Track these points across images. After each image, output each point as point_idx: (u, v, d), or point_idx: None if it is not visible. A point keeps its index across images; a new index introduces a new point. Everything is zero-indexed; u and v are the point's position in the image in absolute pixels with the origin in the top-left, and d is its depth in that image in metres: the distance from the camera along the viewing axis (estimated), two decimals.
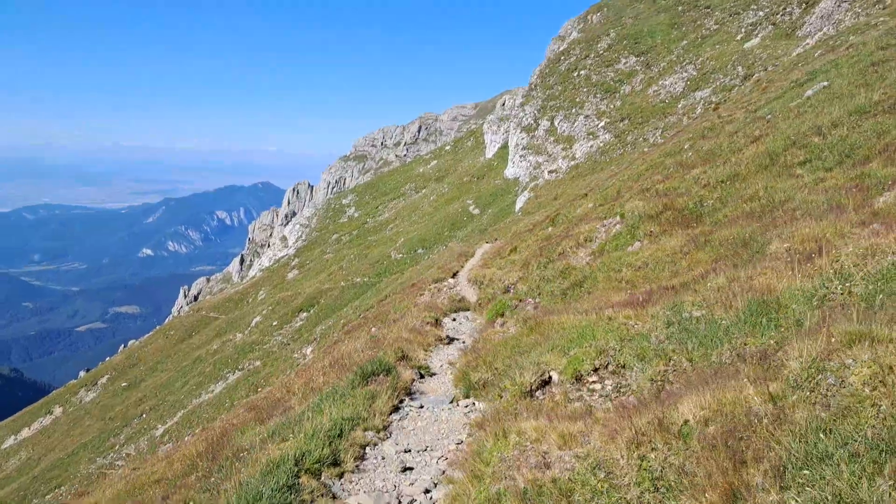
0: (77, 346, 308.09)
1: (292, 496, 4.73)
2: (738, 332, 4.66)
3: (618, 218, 14.02)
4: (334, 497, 5.00)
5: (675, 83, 65.26)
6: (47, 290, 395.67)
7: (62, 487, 59.41)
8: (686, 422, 3.32)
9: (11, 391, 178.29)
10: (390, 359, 8.72)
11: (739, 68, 55.86)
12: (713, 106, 36.76)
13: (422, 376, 9.01)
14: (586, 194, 26.61)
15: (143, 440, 62.04)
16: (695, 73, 63.87)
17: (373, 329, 26.13)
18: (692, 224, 10.38)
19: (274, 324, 76.39)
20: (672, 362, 4.93)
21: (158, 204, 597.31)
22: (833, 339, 3.25)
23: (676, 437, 3.23)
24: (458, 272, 29.83)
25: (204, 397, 65.95)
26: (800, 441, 2.60)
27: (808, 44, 44.18)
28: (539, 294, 12.07)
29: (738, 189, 10.20)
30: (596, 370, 5.60)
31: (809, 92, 14.41)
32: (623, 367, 5.49)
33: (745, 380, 3.41)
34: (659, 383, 4.90)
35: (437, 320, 13.00)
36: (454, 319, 16.83)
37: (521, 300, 12.51)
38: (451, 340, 11.90)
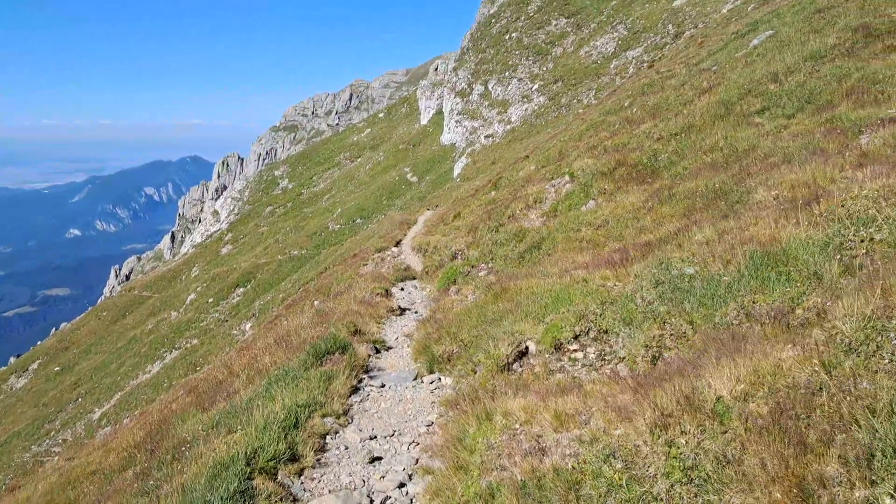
0: (5, 331, 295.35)
1: None
2: (743, 288, 4.20)
3: (567, 178, 13.61)
4: (295, 500, 4.33)
5: (607, 44, 65.41)
6: None
7: None
8: (720, 398, 2.83)
9: None
10: (343, 334, 8.04)
11: (670, 26, 56.26)
12: (647, 64, 36.79)
13: (377, 351, 8.32)
14: (527, 156, 26.21)
15: (79, 425, 60.07)
16: (626, 33, 64.10)
17: (316, 302, 25.30)
18: (648, 179, 10.03)
19: (210, 301, 74.35)
20: (668, 325, 4.46)
21: (84, 182, 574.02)
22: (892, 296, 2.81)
23: (710, 416, 2.74)
24: (401, 240, 29.18)
25: (142, 378, 64.07)
26: (889, 420, 2.12)
27: (736, 0, 44.69)
28: (492, 259, 11.58)
29: (695, 141, 9.89)
30: (577, 337, 5.09)
31: (755, 41, 14.22)
32: (606, 332, 5.00)
33: (780, 344, 2.95)
34: (654, 350, 4.43)
35: (387, 291, 12.32)
36: (402, 289, 16.24)
37: (472, 266, 12.01)
38: (403, 311, 11.30)
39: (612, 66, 60.36)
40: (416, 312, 11.28)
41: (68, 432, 59.17)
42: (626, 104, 22.68)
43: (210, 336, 62.44)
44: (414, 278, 20.09)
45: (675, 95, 14.32)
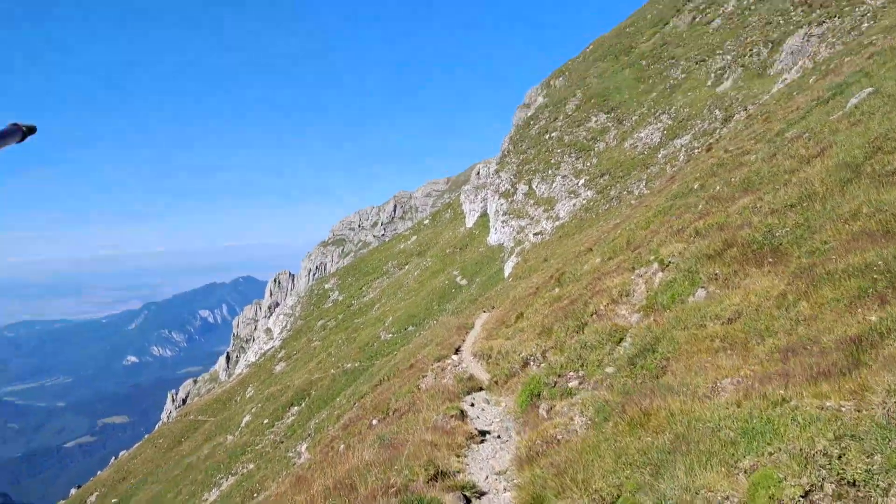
0: (66, 462, 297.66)
1: None
2: None
3: (655, 266, 11.95)
4: None
5: (652, 134, 64.85)
6: (32, 407, 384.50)
7: None
8: None
9: None
10: (421, 477, 6.33)
11: (717, 112, 55.48)
12: (704, 148, 35.49)
13: (468, 501, 6.56)
14: (590, 249, 24.63)
15: None
16: (670, 122, 63.53)
17: (374, 421, 23.44)
18: (769, 259, 8.33)
19: (265, 422, 72.71)
20: None
21: (139, 310, 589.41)
22: None
23: None
24: (460, 347, 27.41)
25: None
26: None
27: (786, 79, 43.67)
28: (583, 365, 9.82)
29: (824, 210, 8.25)
30: (807, 495, 3.32)
31: (853, 101, 12.73)
32: (854, 484, 3.22)
33: None
34: None
35: (462, 412, 10.49)
36: (472, 405, 14.38)
37: (559, 375, 10.23)
38: (483, 435, 9.50)
39: (659, 155, 59.45)
40: (497, 437, 9.46)
41: None
42: (695, 187, 21.18)
43: (266, 460, 60.50)
44: (480, 389, 18.19)
45: (767, 168, 12.76)
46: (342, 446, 23.22)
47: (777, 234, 8.85)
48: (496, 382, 16.33)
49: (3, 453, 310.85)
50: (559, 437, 6.51)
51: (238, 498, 52.91)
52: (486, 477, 7.38)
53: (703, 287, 8.95)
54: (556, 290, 22.71)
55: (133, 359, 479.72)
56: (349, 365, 72.98)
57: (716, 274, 8.87)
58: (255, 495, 52.29)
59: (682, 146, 56.73)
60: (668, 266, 11.67)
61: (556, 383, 10.16)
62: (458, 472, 7.30)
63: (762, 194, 10.59)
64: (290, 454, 56.23)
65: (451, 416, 9.83)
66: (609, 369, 9.14)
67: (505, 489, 6.67)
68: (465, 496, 6.40)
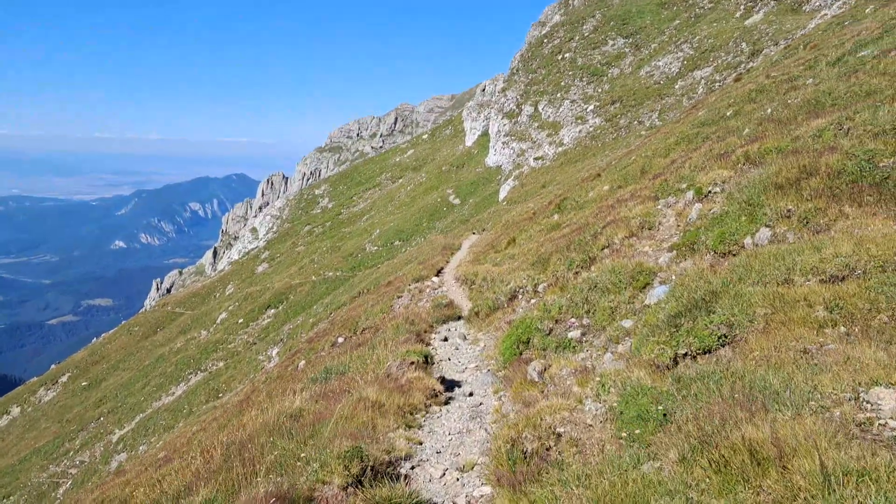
0: (49, 339, 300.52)
1: None
2: None
3: (689, 195, 9.46)
4: None
5: (670, 63, 61.09)
6: (18, 282, 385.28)
7: (11, 497, 55.20)
8: None
9: None
10: (335, 481, 3.96)
11: (743, 45, 51.76)
12: (733, 78, 32.37)
13: None
14: (598, 175, 22.00)
15: (98, 446, 57.60)
16: (692, 53, 59.76)
17: (339, 339, 21.35)
18: (868, 196, 5.90)
19: (240, 321, 71.31)
20: None
21: (130, 196, 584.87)
22: None
23: None
24: (442, 268, 25.09)
25: (164, 400, 61.33)
26: None
27: (825, 14, 40.03)
28: (589, 312, 7.47)
29: None
30: None
31: None
32: None
33: None
34: None
35: (426, 358, 8.04)
36: (445, 339, 12.10)
37: (556, 320, 7.90)
38: (450, 389, 7.19)
39: (676, 86, 55.95)
40: (469, 395, 7.14)
41: (86, 453, 56.86)
42: (727, 114, 18.56)
43: (236, 360, 59.22)
44: (459, 317, 15.94)
45: (844, 86, 10.18)
46: (302, 363, 21.20)
47: (882, 165, 6.35)
48: (477, 314, 14.05)
49: None
50: (560, 430, 4.23)
51: (202, 396, 51.78)
52: (444, 473, 5.02)
53: (767, 226, 6.51)
54: (556, 216, 20.25)
55: (121, 244, 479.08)
56: (331, 273, 71.08)
57: (788, 210, 6.41)
58: (220, 395, 51.17)
59: (702, 78, 53.25)
60: (707, 196, 9.17)
61: (551, 330, 7.83)
62: (404, 458, 4.99)
63: (850, 114, 8.03)
64: (261, 357, 54.94)
65: (411, 364, 7.44)
66: (627, 322, 6.77)
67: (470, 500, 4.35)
68: None
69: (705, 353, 4.56)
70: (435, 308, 16.56)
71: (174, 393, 61.93)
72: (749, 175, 8.02)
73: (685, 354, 4.65)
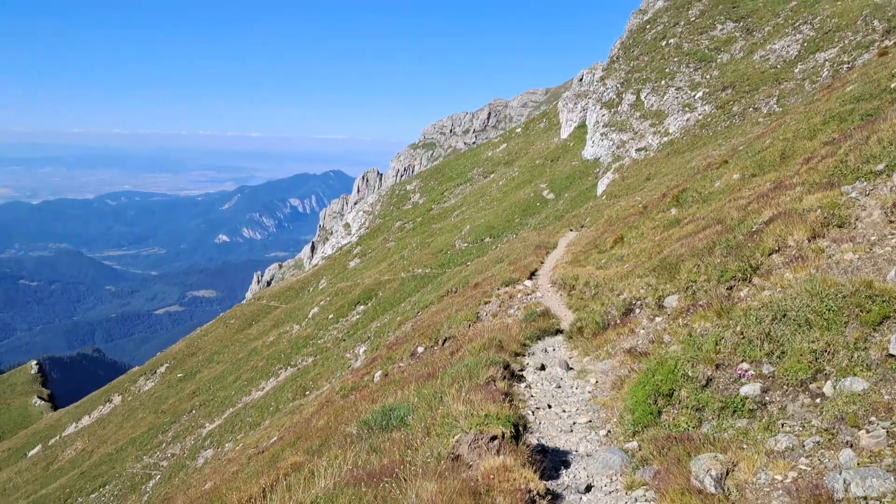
0: (155, 328, 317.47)
1: None
2: None
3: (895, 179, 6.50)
4: None
5: (788, 46, 55.58)
6: (128, 274, 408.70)
7: (107, 486, 56.50)
8: None
9: (94, 370, 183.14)
10: None
11: (875, 22, 46.10)
12: (877, 52, 28.00)
13: None
14: (725, 162, 18.69)
15: (189, 439, 58.20)
16: (812, 34, 54.14)
17: (419, 349, 19.02)
18: None
19: (330, 317, 70.70)
20: None
21: (233, 192, 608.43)
22: None
23: None
24: (536, 270, 22.31)
25: (254, 395, 61.46)
26: None
27: None
28: (772, 355, 4.73)
29: None
30: None
31: None
32: None
33: None
34: None
35: (515, 426, 5.29)
36: (542, 367, 9.43)
37: (716, 364, 5.14)
38: (552, 473, 4.62)
39: (796, 70, 50.67)
40: (586, 491, 4.45)
41: (177, 446, 57.62)
42: (891, 86, 15.12)
43: (324, 357, 58.42)
44: (557, 331, 13.23)
45: None
46: (378, 374, 19.03)
47: None
48: (580, 330, 11.30)
49: (100, 312, 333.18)
50: None
51: (290, 393, 51.06)
52: None
53: None
54: (674, 211, 17.14)
55: (224, 238, 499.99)
56: (419, 270, 69.31)
57: None
58: (307, 393, 50.26)
59: (826, 60, 47.90)
60: None
61: (709, 380, 5.09)
62: None
63: None
64: (348, 355, 53.72)
65: (492, 440, 4.74)
66: (857, 383, 3.97)
67: None
68: None
69: None
70: (528, 319, 13.93)
71: (263, 388, 61.92)
72: None
73: None
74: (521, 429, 5.17)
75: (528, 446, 4.84)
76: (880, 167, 7.31)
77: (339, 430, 8.54)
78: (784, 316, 5.00)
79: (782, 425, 4.27)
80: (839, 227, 6.57)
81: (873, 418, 3.69)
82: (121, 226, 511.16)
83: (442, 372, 8.08)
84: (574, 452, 5.49)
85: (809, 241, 6.53)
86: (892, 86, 15.24)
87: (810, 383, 4.43)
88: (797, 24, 58.56)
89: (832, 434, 3.87)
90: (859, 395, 3.94)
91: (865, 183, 7.24)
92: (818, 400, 4.20)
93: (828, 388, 4.22)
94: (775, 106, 47.18)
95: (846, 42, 48.00)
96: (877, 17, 47.16)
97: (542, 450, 5.17)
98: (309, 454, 8.59)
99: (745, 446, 4.05)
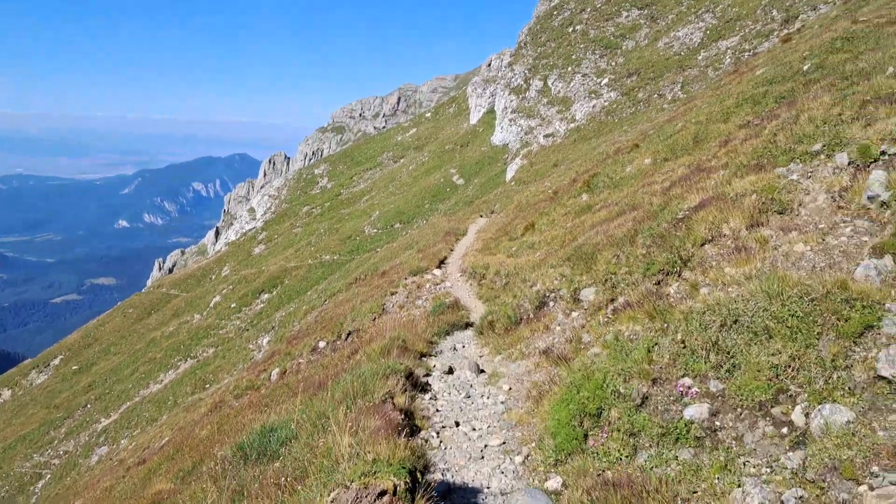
0: (52, 317, 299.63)
1: None
2: None
3: (842, 158, 5.85)
4: None
5: (691, 34, 56.87)
6: (22, 261, 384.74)
7: None
8: None
9: None
10: None
11: (774, 12, 47.59)
12: (780, 39, 28.47)
13: None
14: (636, 146, 18.24)
15: (83, 436, 54.72)
16: (714, 22, 55.58)
17: (320, 343, 17.73)
18: None
19: (233, 305, 67.90)
20: None
21: (134, 175, 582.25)
22: None
23: None
24: (446, 258, 21.37)
25: (152, 388, 58.33)
26: None
27: None
28: (720, 368, 3.89)
29: None
30: None
31: None
32: None
33: None
34: None
35: (411, 473, 4.32)
36: (450, 371, 8.43)
37: (652, 378, 4.23)
38: None
39: (699, 57, 51.83)
40: None
41: (70, 443, 54.21)
42: (804, 67, 14.98)
43: (226, 348, 55.93)
44: (467, 325, 12.30)
45: None
46: (275, 371, 17.66)
47: None
48: (492, 325, 10.39)
49: None
50: None
51: (189, 387, 48.54)
52: None
53: None
54: (585, 196, 16.52)
55: (124, 223, 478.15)
56: (327, 257, 67.47)
57: None
58: (206, 386, 47.90)
59: (728, 48, 49.18)
60: (878, 160, 5.45)
61: (644, 398, 4.18)
62: None
63: None
64: (251, 346, 51.59)
65: (378, 499, 3.53)
66: (839, 413, 3.10)
67: None
68: None
69: None
70: (436, 312, 12.94)
71: (162, 381, 58.91)
72: None
73: None
74: (419, 474, 4.08)
75: (427, 499, 3.76)
76: (817, 147, 6.68)
77: (214, 452, 7.32)
78: (735, 322, 4.16)
79: (744, 464, 3.41)
80: (779, 213, 5.85)
81: (875, 467, 2.85)
82: (14, 211, 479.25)
83: (334, 382, 6.94)
84: (486, 491, 4.50)
85: (748, 229, 5.78)
86: (805, 68, 15.06)
87: (771, 406, 3.60)
88: (700, 12, 60.00)
89: (821, 488, 2.99)
90: (850, 433, 3.08)
91: (802, 164, 6.59)
92: (785, 430, 3.36)
93: (797, 417, 3.39)
94: (680, 92, 48.09)
95: (747, 31, 49.41)
96: (775, 7, 48.71)
97: (447, 489, 4.17)
98: (177, 479, 7.31)
99: (706, 501, 3.15)
